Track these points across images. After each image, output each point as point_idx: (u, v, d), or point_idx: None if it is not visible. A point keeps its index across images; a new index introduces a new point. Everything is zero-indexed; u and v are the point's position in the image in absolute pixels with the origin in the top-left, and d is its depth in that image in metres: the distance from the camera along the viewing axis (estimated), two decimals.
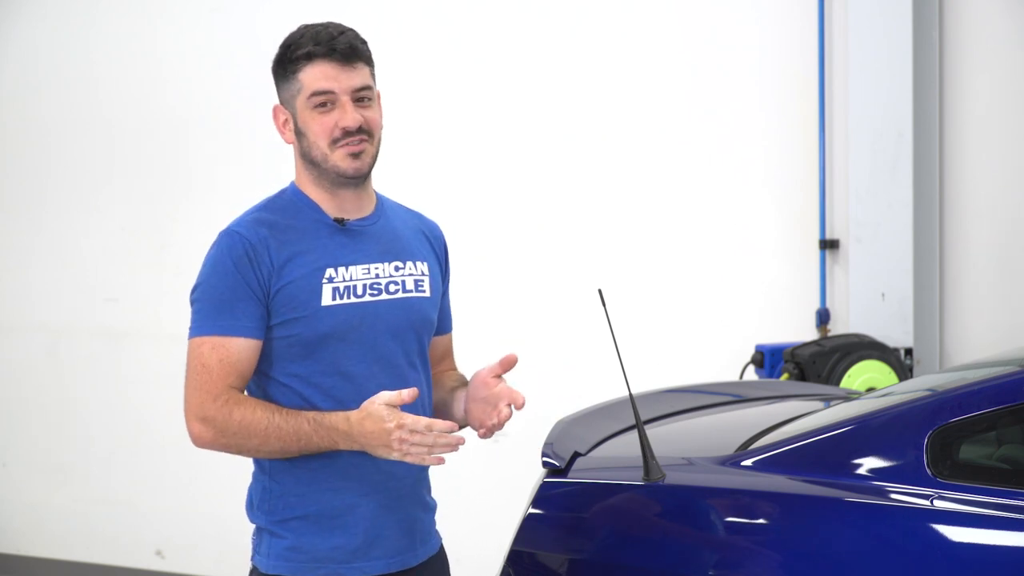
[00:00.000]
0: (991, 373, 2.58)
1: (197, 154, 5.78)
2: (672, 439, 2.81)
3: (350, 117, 2.41)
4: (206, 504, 5.75)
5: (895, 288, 4.56)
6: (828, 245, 4.73)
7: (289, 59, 2.46)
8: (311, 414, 2.34)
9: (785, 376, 4.36)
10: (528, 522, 2.66)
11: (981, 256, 4.60)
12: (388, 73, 5.41)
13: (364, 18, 5.51)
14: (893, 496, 2.35)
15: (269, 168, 5.61)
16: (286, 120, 2.48)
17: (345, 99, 2.42)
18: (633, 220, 5.08)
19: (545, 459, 2.70)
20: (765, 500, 2.46)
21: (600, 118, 5.10)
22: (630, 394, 2.61)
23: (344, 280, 2.41)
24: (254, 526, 2.47)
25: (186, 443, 6.33)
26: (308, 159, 2.46)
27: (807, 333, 4.74)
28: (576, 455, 2.71)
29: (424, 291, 2.51)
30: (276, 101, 2.52)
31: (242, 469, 6.05)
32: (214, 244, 2.43)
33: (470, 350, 5.25)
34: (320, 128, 2.43)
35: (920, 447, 2.38)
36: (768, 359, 4.50)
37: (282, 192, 2.52)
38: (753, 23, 4.89)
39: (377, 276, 2.44)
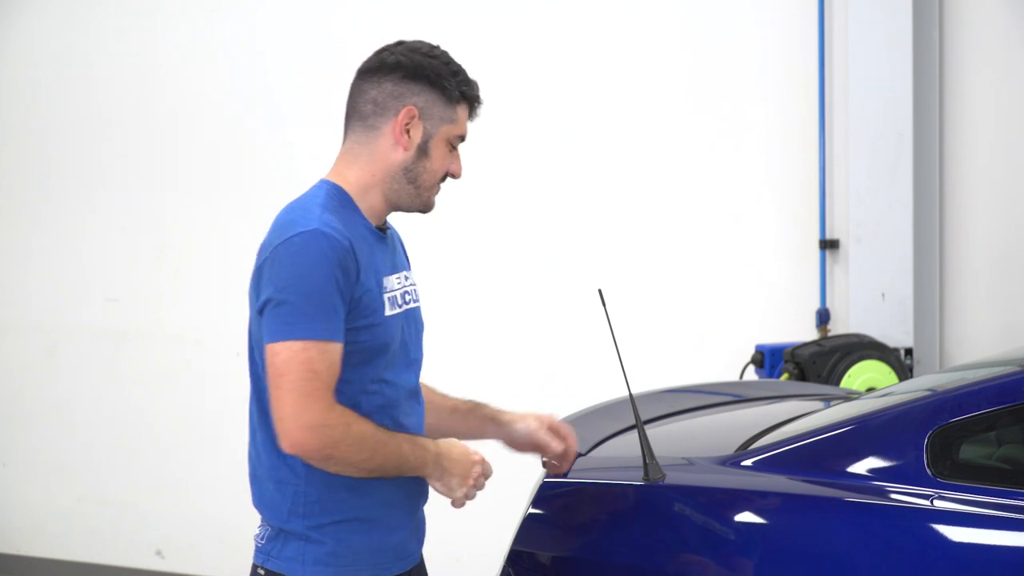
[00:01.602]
0: (991, 373, 2.58)
1: (197, 154, 5.78)
2: (672, 439, 2.81)
3: (461, 167, 2.50)
4: (206, 504, 5.75)
5: (895, 288, 4.56)
6: (828, 245, 4.73)
7: (456, 84, 2.45)
8: (405, 435, 2.36)
9: (785, 376, 4.36)
10: (528, 522, 2.66)
11: (981, 256, 4.60)
12: None
13: (363, 16, 5.52)
14: (893, 496, 2.35)
15: (269, 168, 5.61)
16: (411, 128, 2.42)
17: (459, 151, 2.50)
18: (633, 220, 5.08)
19: (545, 459, 2.70)
20: (765, 500, 2.46)
21: (600, 119, 5.10)
22: (630, 394, 2.61)
23: (390, 290, 2.41)
24: (268, 530, 2.39)
25: (186, 443, 6.31)
26: (408, 176, 2.42)
27: (807, 333, 4.74)
28: (576, 455, 2.71)
29: (419, 300, 2.55)
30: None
31: (241, 469, 6.04)
32: (305, 242, 2.28)
33: (470, 350, 5.27)
34: (444, 164, 2.46)
35: (920, 447, 2.38)
36: (768, 359, 4.50)
37: (328, 192, 2.40)
38: (753, 23, 4.89)
39: (401, 285, 2.46)
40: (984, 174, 4.60)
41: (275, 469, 2.37)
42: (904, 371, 4.41)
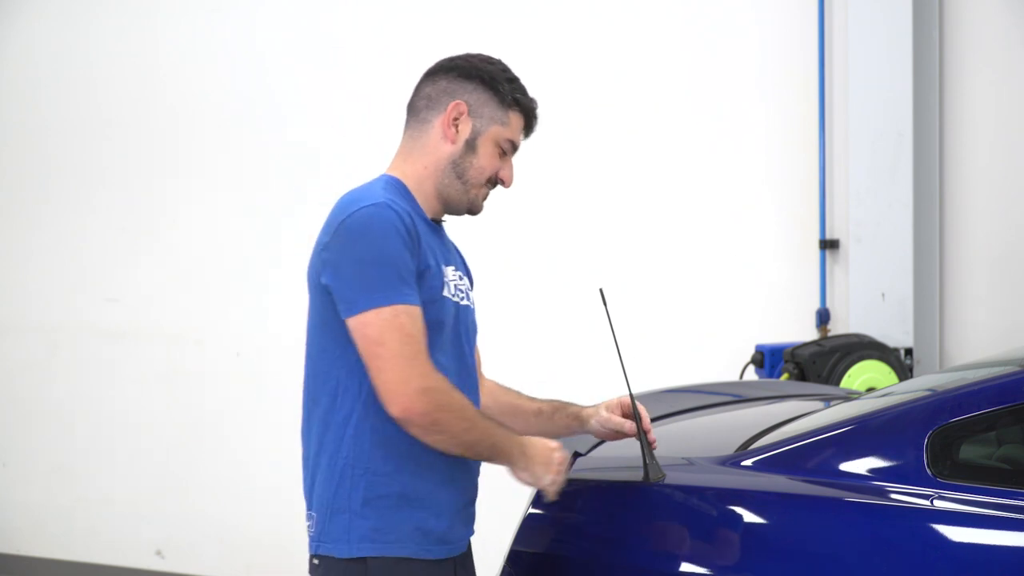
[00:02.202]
0: (991, 373, 2.58)
1: (197, 154, 5.78)
2: (672, 439, 2.81)
3: (512, 176, 2.58)
4: (206, 504, 5.76)
5: (895, 288, 4.56)
6: (828, 245, 4.73)
7: (510, 89, 2.54)
8: (493, 419, 2.45)
9: (785, 376, 4.36)
10: (528, 522, 2.66)
11: (981, 256, 4.60)
12: (384, 72, 5.42)
13: (363, 16, 5.52)
14: (893, 496, 2.35)
15: (269, 168, 5.61)
16: (460, 122, 2.50)
17: (511, 158, 2.57)
18: (634, 220, 5.08)
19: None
20: (765, 500, 2.46)
21: (600, 119, 5.10)
22: (630, 395, 2.62)
23: (448, 278, 2.48)
24: (315, 516, 2.43)
25: (186, 443, 6.29)
26: (456, 170, 2.51)
27: (807, 333, 4.74)
28: (576, 455, 2.72)
29: (474, 306, 2.62)
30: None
31: (242, 469, 6.04)
32: (372, 214, 2.34)
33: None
34: (491, 165, 2.53)
35: (920, 447, 2.38)
36: (768, 359, 4.50)
37: (388, 181, 2.48)
38: (753, 23, 4.89)
39: (454, 279, 2.52)
40: (984, 174, 4.60)
41: (331, 443, 2.41)
42: (904, 371, 4.41)
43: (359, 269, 2.32)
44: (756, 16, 4.88)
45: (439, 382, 2.32)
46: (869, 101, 4.59)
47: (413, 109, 2.55)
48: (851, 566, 2.32)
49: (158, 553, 5.86)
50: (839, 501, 2.39)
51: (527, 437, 2.46)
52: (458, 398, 2.35)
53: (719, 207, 4.94)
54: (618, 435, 2.64)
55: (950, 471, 2.35)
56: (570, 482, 2.65)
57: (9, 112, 6.16)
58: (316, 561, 2.42)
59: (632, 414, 2.60)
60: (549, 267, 5.18)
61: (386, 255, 2.32)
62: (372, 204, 2.35)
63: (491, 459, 2.43)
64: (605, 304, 2.63)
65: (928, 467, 2.36)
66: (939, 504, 2.32)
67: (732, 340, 4.82)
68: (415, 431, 2.33)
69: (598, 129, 5.10)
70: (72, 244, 6.01)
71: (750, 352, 4.64)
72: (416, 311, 2.33)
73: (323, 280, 2.36)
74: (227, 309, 5.72)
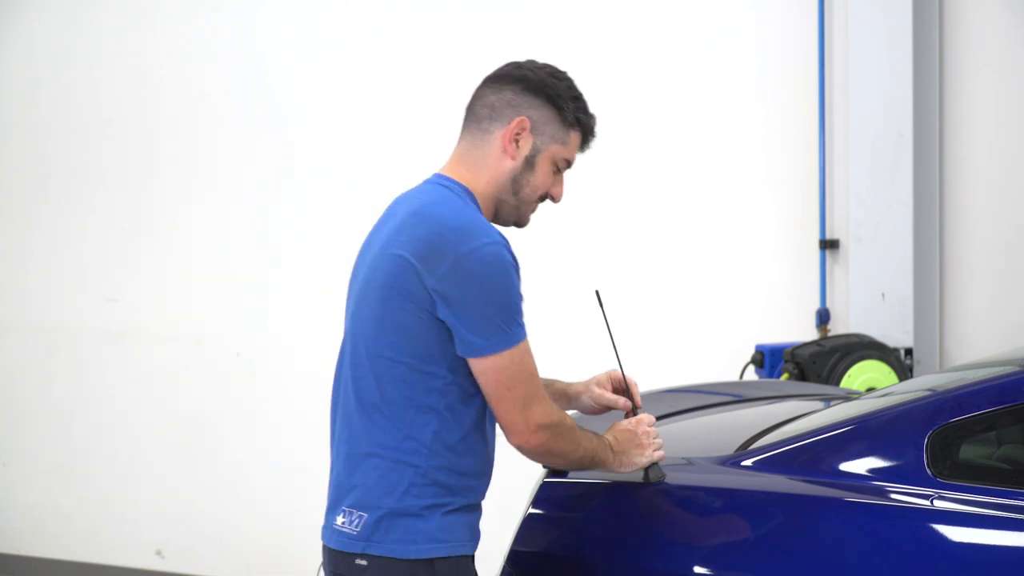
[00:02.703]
0: (991, 373, 2.58)
1: (197, 154, 5.78)
2: (672, 439, 2.81)
3: (562, 193, 2.58)
4: (206, 504, 5.76)
5: (895, 288, 4.57)
6: (828, 245, 4.73)
7: (574, 108, 2.55)
8: (588, 429, 2.50)
9: (785, 376, 4.36)
10: (528, 522, 2.66)
11: (981, 256, 4.60)
12: (384, 72, 5.42)
13: (363, 16, 5.52)
14: (893, 496, 2.35)
15: (269, 168, 5.61)
16: (521, 138, 2.48)
17: (564, 176, 2.58)
18: (633, 220, 5.08)
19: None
20: (765, 500, 2.46)
21: (600, 118, 5.09)
22: (630, 395, 2.62)
23: None
24: (364, 516, 2.42)
25: (186, 443, 6.28)
26: (513, 185, 2.50)
27: (807, 333, 4.74)
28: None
29: None
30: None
31: (242, 469, 6.03)
32: (497, 256, 2.36)
33: None
34: (545, 183, 2.53)
35: (920, 447, 2.38)
36: (768, 359, 4.50)
37: (465, 194, 2.47)
38: (753, 23, 4.89)
39: None
40: (984, 174, 4.60)
41: (397, 450, 2.40)
42: (904, 371, 4.41)
43: (491, 314, 2.36)
44: (756, 16, 4.88)
45: (554, 416, 2.41)
46: (869, 101, 4.59)
47: (474, 116, 2.51)
48: (851, 566, 2.32)
49: (158, 553, 5.86)
50: (839, 501, 2.39)
51: (607, 431, 2.53)
52: (568, 423, 2.44)
53: (719, 207, 4.94)
54: (608, 409, 2.70)
55: (950, 471, 2.36)
56: (570, 483, 2.66)
57: (9, 112, 6.16)
58: (363, 561, 2.41)
59: (623, 389, 2.65)
60: (549, 268, 5.18)
61: (513, 297, 2.39)
62: (493, 243, 2.35)
63: (591, 468, 2.51)
64: (602, 305, 2.64)
65: (928, 467, 2.36)
66: (939, 504, 2.32)
67: (732, 340, 4.82)
68: (529, 456, 2.44)
69: (598, 129, 5.09)
70: (72, 244, 6.01)
71: (750, 352, 4.64)
72: (529, 343, 2.45)
73: (439, 314, 2.35)
74: (227, 309, 5.72)
